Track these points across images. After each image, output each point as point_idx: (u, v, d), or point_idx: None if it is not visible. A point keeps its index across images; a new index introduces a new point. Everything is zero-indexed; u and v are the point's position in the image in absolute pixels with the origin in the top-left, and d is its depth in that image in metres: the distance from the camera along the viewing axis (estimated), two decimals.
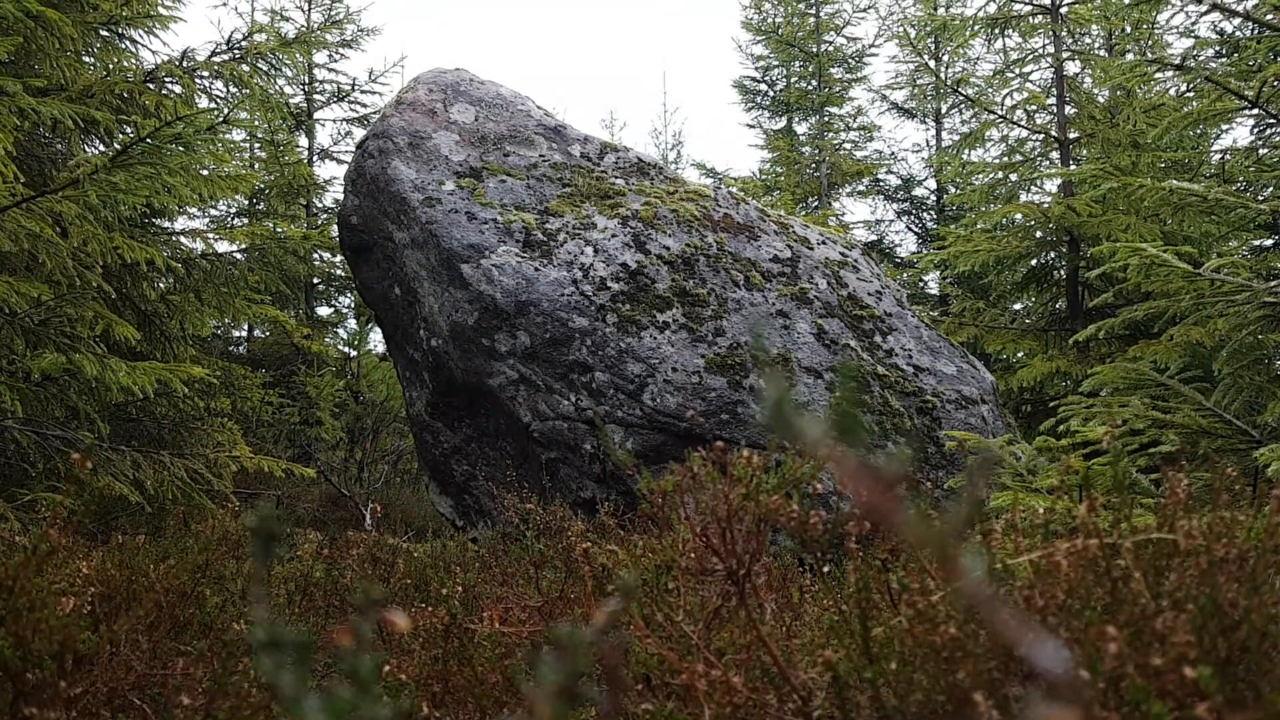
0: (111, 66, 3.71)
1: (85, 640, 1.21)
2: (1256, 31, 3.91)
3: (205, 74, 3.90)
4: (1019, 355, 6.49)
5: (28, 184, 2.69)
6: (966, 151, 7.49)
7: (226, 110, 3.03)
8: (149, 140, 2.33)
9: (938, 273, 8.47)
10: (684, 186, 4.15)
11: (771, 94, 11.46)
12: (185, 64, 3.74)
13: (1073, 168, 5.90)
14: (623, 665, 1.14)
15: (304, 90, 8.01)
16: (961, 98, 7.90)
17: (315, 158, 8.12)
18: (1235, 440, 3.00)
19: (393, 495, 6.16)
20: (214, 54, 3.86)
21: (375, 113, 7.84)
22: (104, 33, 3.69)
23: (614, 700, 0.52)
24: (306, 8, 7.95)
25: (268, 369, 6.79)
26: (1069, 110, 6.32)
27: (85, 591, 1.47)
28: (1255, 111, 3.48)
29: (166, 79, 3.72)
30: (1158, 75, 5.27)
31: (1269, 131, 4.98)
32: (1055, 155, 6.38)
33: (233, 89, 4.01)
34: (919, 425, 3.63)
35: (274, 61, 4.06)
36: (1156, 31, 7.27)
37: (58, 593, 1.29)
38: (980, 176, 6.86)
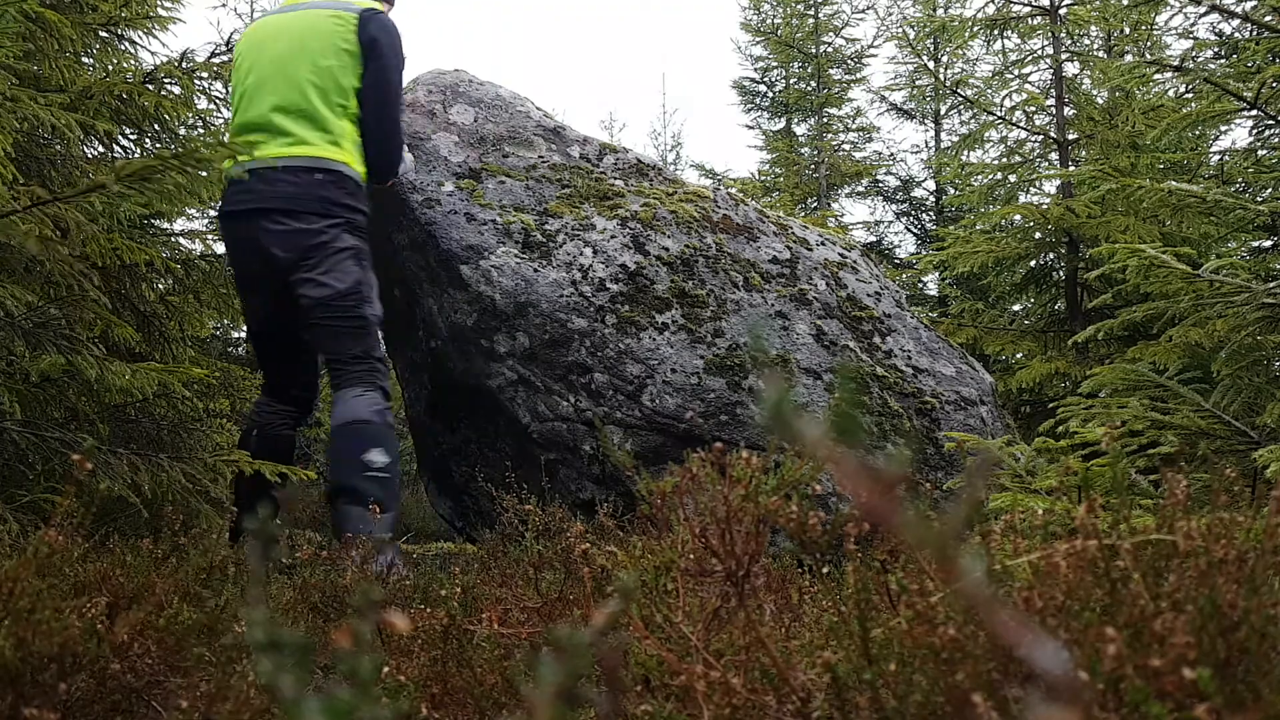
0: (111, 68, 3.71)
1: (87, 645, 1.21)
2: (1255, 33, 3.91)
3: (204, 75, 3.90)
4: (1018, 356, 6.50)
5: (26, 185, 2.69)
6: (965, 153, 7.50)
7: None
8: (179, 159, 2.32)
9: (937, 274, 8.48)
10: (683, 188, 4.15)
11: (771, 95, 11.47)
12: (184, 65, 3.74)
13: (1071, 169, 5.90)
14: (622, 666, 1.14)
15: None
16: (960, 99, 7.91)
17: None
18: (1234, 441, 3.00)
19: None
20: (213, 55, 3.86)
21: None
22: (103, 34, 3.69)
23: (613, 701, 0.52)
24: None
25: None
26: (1068, 111, 6.33)
27: (91, 597, 1.47)
28: (1254, 113, 3.48)
29: (166, 80, 3.72)
30: (1156, 76, 5.27)
31: (1268, 133, 4.99)
32: (1054, 156, 6.39)
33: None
34: (918, 426, 3.63)
35: None
36: (1155, 33, 7.28)
37: (59, 595, 1.29)
38: (979, 177, 6.86)
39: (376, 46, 3.07)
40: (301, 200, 2.97)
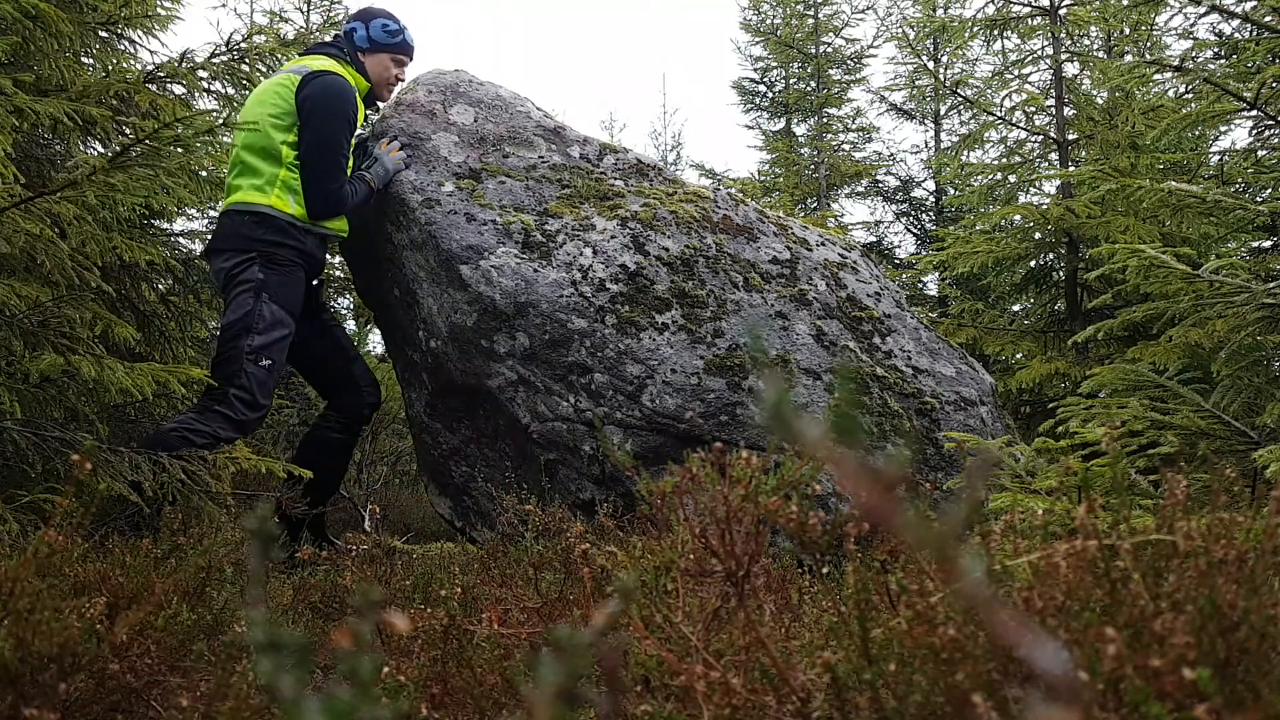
0: (111, 67, 3.70)
1: (87, 645, 1.21)
2: (1255, 33, 3.91)
3: (205, 74, 3.90)
4: (1018, 356, 6.49)
5: (26, 185, 2.69)
6: (965, 153, 7.49)
7: (225, 113, 3.06)
8: (147, 142, 2.33)
9: (936, 274, 8.47)
10: (683, 188, 4.15)
11: (770, 95, 11.46)
12: (185, 64, 3.74)
13: (1071, 169, 5.90)
14: (622, 667, 1.14)
15: None
16: (960, 99, 7.91)
17: None
18: (1234, 442, 3.00)
19: (391, 497, 6.16)
20: (213, 55, 3.86)
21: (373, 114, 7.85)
22: (103, 33, 3.68)
23: (613, 701, 0.52)
24: (305, 9, 7.95)
25: None
26: (1068, 111, 6.32)
27: (91, 597, 1.47)
28: (1253, 113, 3.48)
29: (166, 79, 3.72)
30: (1156, 76, 5.27)
31: (1267, 133, 4.99)
32: (1054, 156, 6.38)
33: (232, 90, 4.01)
34: (918, 427, 3.63)
35: (273, 63, 4.06)
36: (1155, 33, 7.28)
37: (59, 595, 1.29)
38: (979, 178, 6.86)
39: (306, 107, 3.53)
40: (228, 239, 3.50)
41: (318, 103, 3.53)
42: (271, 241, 3.47)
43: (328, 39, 4.02)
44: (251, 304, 3.40)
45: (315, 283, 3.76)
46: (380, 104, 4.02)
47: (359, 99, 3.72)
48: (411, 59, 3.94)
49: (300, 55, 3.84)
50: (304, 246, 3.56)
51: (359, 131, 3.90)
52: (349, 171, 3.69)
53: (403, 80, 3.96)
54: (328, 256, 7.17)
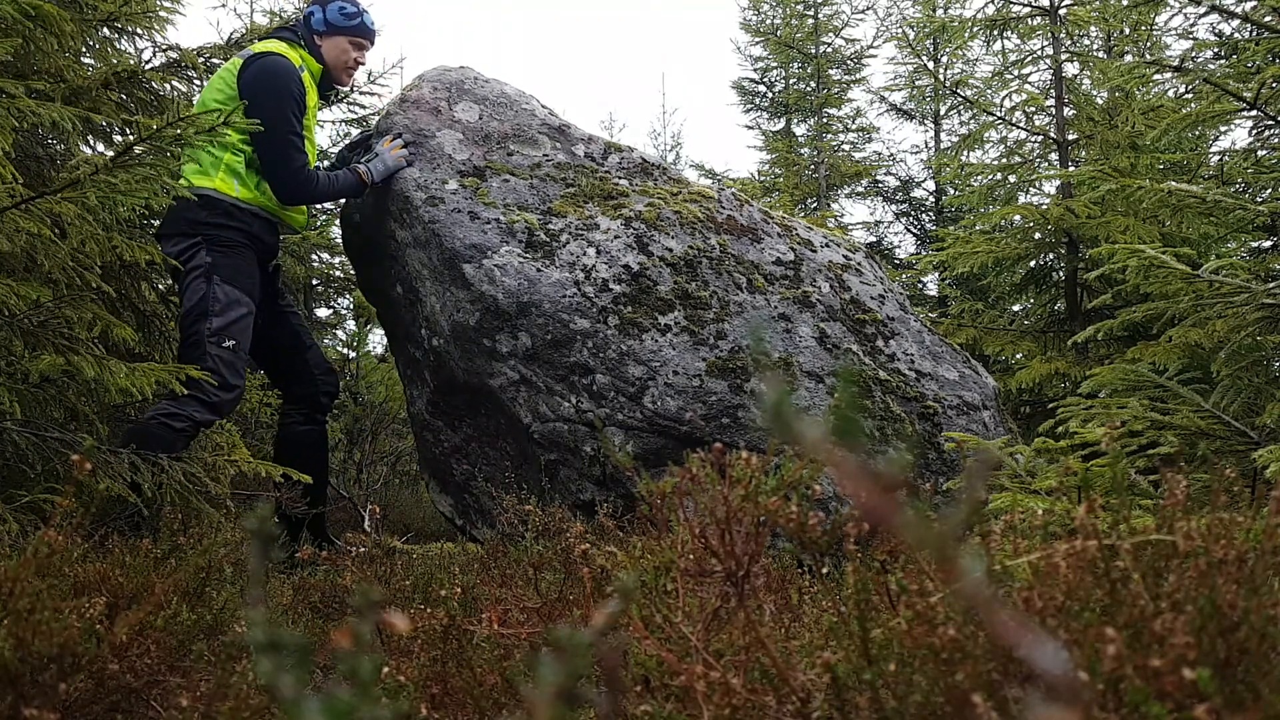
0: (111, 66, 3.70)
1: (87, 645, 1.21)
2: (1255, 33, 3.91)
3: (207, 73, 3.90)
4: (1018, 357, 6.49)
5: (27, 185, 2.69)
6: (965, 153, 7.49)
7: (228, 111, 3.06)
8: (149, 140, 2.33)
9: (936, 274, 8.47)
10: (687, 188, 4.15)
11: (770, 95, 11.46)
12: (190, 51, 3.75)
13: (1071, 169, 5.90)
14: (621, 667, 1.14)
15: None
16: (960, 99, 7.90)
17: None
18: (1234, 442, 3.00)
19: (391, 496, 6.16)
20: (214, 55, 3.86)
21: (374, 114, 7.85)
22: (104, 32, 3.68)
23: (613, 702, 0.52)
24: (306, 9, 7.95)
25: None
26: (1068, 112, 6.32)
27: (90, 598, 1.47)
28: (1254, 113, 3.48)
29: (163, 74, 3.72)
30: (1156, 77, 5.27)
31: (1267, 133, 4.99)
32: (1054, 157, 6.38)
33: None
34: (920, 431, 3.63)
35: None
36: (1155, 33, 7.28)
37: (59, 595, 1.29)
38: (979, 178, 6.86)
39: (248, 91, 3.52)
40: (174, 223, 3.50)
41: (258, 85, 3.54)
42: (215, 224, 3.49)
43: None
44: (204, 288, 3.41)
45: (271, 269, 3.75)
46: (338, 88, 3.99)
47: (309, 79, 3.71)
48: (372, 43, 3.90)
49: (256, 41, 3.85)
50: (249, 229, 3.56)
51: (353, 133, 3.89)
52: (311, 152, 3.68)
53: (362, 64, 3.91)
54: (328, 257, 7.16)
